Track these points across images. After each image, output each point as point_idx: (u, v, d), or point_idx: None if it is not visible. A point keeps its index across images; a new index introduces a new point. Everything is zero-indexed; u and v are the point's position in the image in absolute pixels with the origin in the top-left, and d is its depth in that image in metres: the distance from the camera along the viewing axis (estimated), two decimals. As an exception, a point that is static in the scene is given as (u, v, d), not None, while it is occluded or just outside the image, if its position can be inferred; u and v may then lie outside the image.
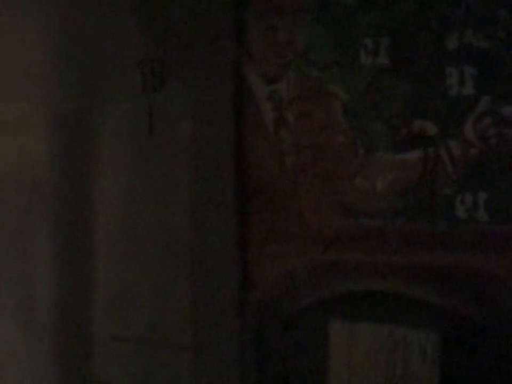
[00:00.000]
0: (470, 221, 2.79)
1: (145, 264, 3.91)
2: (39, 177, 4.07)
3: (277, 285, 3.33)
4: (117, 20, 3.95)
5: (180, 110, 3.81)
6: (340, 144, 3.08)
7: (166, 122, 3.87)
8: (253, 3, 3.32)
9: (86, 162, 4.09)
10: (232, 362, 3.56)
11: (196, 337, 3.72)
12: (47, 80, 4.02)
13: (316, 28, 3.10)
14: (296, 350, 3.29)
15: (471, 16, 2.74)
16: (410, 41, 2.87)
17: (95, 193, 4.05)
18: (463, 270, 2.81)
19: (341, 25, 3.03)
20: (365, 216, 3.03)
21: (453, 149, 2.80)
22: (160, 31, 3.87)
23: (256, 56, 3.33)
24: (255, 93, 3.34)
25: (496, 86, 2.71)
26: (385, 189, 2.96)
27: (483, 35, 2.71)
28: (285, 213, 3.29)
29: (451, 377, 2.85)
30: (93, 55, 4.01)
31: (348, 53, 3.02)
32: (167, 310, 3.85)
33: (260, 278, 3.39)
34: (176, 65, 3.82)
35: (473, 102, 2.75)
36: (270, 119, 3.28)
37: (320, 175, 3.17)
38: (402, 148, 2.91)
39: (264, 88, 3.30)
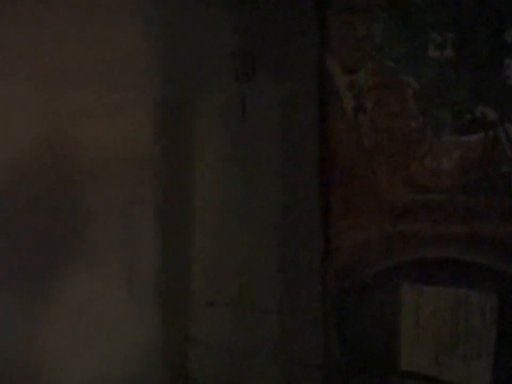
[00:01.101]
0: (525, 195, 3.21)
1: (237, 236, 4.39)
2: (142, 158, 4.43)
3: (355, 253, 3.79)
4: (213, 17, 4.42)
5: (269, 98, 4.27)
6: (411, 128, 3.51)
7: (256, 109, 4.34)
8: (334, 3, 3.77)
9: (185, 144, 4.56)
10: (315, 324, 4.02)
11: (282, 301, 4.20)
12: (150, 71, 4.42)
13: (390, 24, 3.53)
14: (371, 310, 3.74)
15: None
16: (473, 36, 3.27)
17: (194, 171, 4.54)
18: (519, 239, 3.22)
19: (412, 22, 3.46)
20: (433, 191, 3.46)
21: (510, 132, 3.20)
22: (251, 27, 4.34)
23: (337, 50, 3.79)
24: (336, 82, 3.80)
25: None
26: (450, 167, 3.38)
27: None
28: (362, 189, 3.74)
29: (508, 336, 3.27)
30: (191, 48, 4.46)
31: (418, 47, 3.44)
32: (256, 278, 4.32)
33: (339, 247, 3.85)
34: (266, 58, 4.29)
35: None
36: (350, 106, 3.73)
37: (394, 155, 3.60)
38: (466, 131, 3.32)
39: (345, 78, 3.75)
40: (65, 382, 3.97)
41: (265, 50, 4.26)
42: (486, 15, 3.21)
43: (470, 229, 3.32)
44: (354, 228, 3.75)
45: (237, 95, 4.41)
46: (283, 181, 4.17)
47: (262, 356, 4.25)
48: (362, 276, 3.73)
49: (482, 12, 3.21)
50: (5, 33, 3.19)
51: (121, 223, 4.41)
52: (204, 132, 4.55)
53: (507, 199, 3.21)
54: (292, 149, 4.11)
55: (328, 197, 3.85)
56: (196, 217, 4.53)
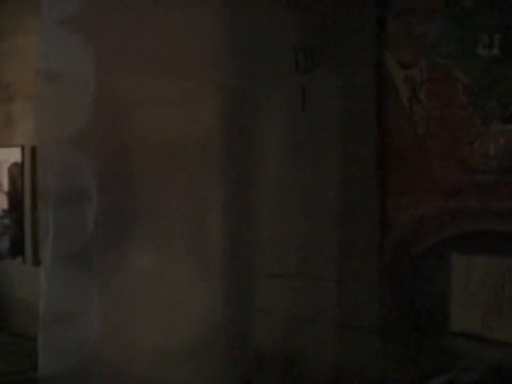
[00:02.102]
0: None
1: (299, 212, 4.85)
2: (208, 141, 4.77)
3: (409, 228, 4.31)
4: (276, 12, 4.86)
5: (329, 89, 4.76)
6: (461, 117, 4.03)
7: (316, 100, 4.83)
8: (393, 4, 4.28)
9: (248, 130, 5.02)
10: (372, 292, 4.52)
11: (341, 272, 4.70)
12: (216, 62, 4.73)
13: (443, 25, 4.05)
14: (424, 278, 4.26)
15: None
16: (518, 36, 3.79)
17: (257, 155, 4.99)
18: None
19: (463, 24, 3.97)
20: (481, 172, 3.99)
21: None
22: (312, 22, 4.81)
23: (394, 47, 4.30)
24: (393, 76, 4.32)
25: None
26: (497, 151, 3.90)
27: None
28: (416, 171, 4.26)
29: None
30: (255, 41, 4.88)
31: (468, 46, 3.95)
32: (317, 250, 4.81)
33: (395, 222, 4.37)
34: (326, 51, 4.76)
35: None
36: (406, 98, 4.25)
37: (445, 141, 4.12)
38: (511, 120, 3.85)
39: (401, 73, 4.27)
40: (135, 353, 4.20)
41: (325, 46, 4.74)
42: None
43: (514, 206, 3.83)
44: (409, 205, 4.27)
45: (298, 87, 4.89)
46: (342, 164, 4.66)
47: (323, 323, 4.75)
48: (416, 248, 4.24)
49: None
50: (112, 34, 3.67)
51: (189, 202, 4.74)
52: (266, 121, 4.99)
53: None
54: (350, 135, 4.61)
55: (385, 178, 4.37)
56: (260, 197, 4.98)
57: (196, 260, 4.74)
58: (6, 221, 7.63)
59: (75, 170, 3.56)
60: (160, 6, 4.22)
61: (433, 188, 4.14)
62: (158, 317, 4.26)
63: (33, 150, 7.40)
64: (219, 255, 4.84)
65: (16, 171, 7.56)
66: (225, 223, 4.87)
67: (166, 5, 4.27)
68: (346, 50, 4.59)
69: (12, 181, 7.65)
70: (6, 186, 7.71)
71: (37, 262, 7.38)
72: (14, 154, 7.61)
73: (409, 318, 4.31)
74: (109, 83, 3.64)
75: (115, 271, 3.80)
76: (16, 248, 7.62)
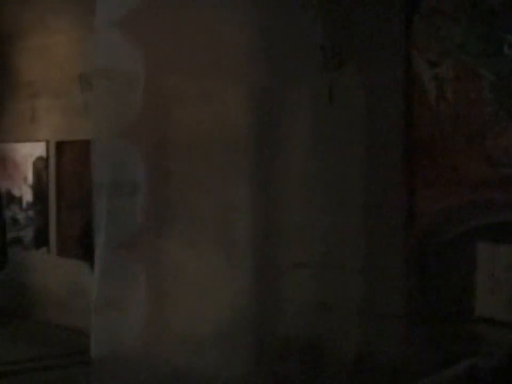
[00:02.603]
0: None
1: (325, 204, 5.04)
2: (236, 137, 4.95)
3: (435, 218, 4.52)
4: (305, 12, 5.05)
5: (356, 86, 4.97)
6: (487, 113, 4.25)
7: (343, 96, 5.02)
8: (421, 5, 4.49)
9: (277, 126, 5.20)
10: (398, 280, 4.71)
11: (367, 261, 4.90)
12: (248, 61, 4.90)
13: (470, 26, 4.26)
14: (450, 267, 4.46)
15: None
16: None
17: (284, 148, 5.16)
18: None
19: (489, 25, 4.19)
20: (504, 166, 4.20)
21: None
22: (340, 22, 5.01)
23: (422, 46, 4.50)
24: (420, 74, 4.53)
25: None
26: (521, 146, 4.13)
27: None
28: (442, 164, 4.47)
29: None
30: (284, 41, 5.07)
31: (494, 45, 4.17)
32: (342, 241, 5.01)
33: (421, 213, 4.58)
34: (353, 50, 4.95)
35: None
36: (433, 95, 4.46)
37: (471, 136, 4.34)
38: (535, 116, 4.07)
39: (428, 71, 4.48)
40: (173, 338, 4.40)
41: (353, 45, 4.93)
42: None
43: (537, 197, 4.04)
44: (435, 197, 4.48)
45: (325, 84, 5.09)
46: (368, 158, 4.86)
47: (348, 311, 4.95)
48: (442, 238, 4.45)
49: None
50: (158, 35, 3.87)
51: (220, 195, 4.91)
52: (294, 114, 5.18)
53: None
54: (377, 130, 4.81)
55: (412, 171, 4.57)
56: (287, 189, 5.15)
57: (225, 250, 4.92)
58: (30, 213, 7.83)
59: (125, 162, 3.75)
60: (197, 9, 4.40)
61: (458, 181, 4.34)
62: (190, 304, 4.46)
63: (58, 145, 7.63)
64: (246, 245, 4.98)
65: (41, 165, 7.76)
66: (253, 215, 5.01)
67: (203, 8, 4.45)
68: (374, 49, 4.78)
69: (37, 174, 7.86)
70: (30, 179, 7.91)
71: (61, 252, 7.61)
72: (38, 149, 7.81)
73: (434, 304, 4.50)
74: (155, 80, 3.84)
75: (157, 259, 3.94)
76: (40, 239, 7.83)
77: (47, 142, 7.70)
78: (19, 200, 8.12)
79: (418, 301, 4.62)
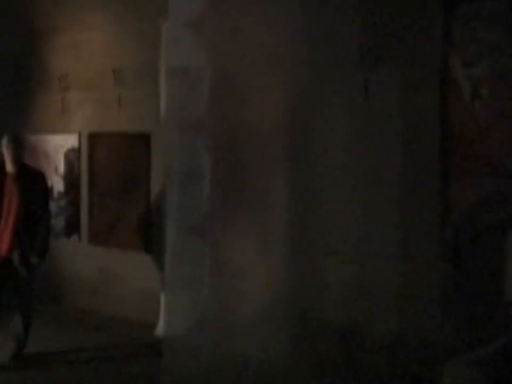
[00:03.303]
0: None
1: (363, 193, 5.34)
2: (272, 131, 5.19)
3: (469, 207, 4.86)
4: (344, 13, 5.37)
5: (390, 84, 5.28)
6: (521, 110, 4.60)
7: (378, 93, 5.35)
8: (459, 9, 4.82)
9: (314, 120, 5.51)
10: (432, 267, 5.05)
11: (404, 248, 5.19)
12: (287, 59, 5.19)
13: (505, 28, 4.60)
14: (482, 253, 4.80)
15: None
16: None
17: (323, 141, 5.48)
18: None
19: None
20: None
21: None
22: (378, 24, 5.32)
23: (458, 48, 4.84)
24: (456, 74, 4.87)
25: None
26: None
27: None
28: (476, 157, 4.81)
29: None
30: (324, 40, 5.40)
31: (530, 46, 4.52)
32: (378, 226, 5.32)
33: (456, 203, 4.93)
34: (390, 50, 5.29)
35: None
36: (468, 93, 4.80)
37: (504, 131, 4.69)
38: None
39: (464, 71, 4.81)
40: (233, 318, 4.70)
41: (390, 45, 5.26)
42: None
43: None
44: (469, 188, 4.82)
45: (362, 82, 5.41)
46: (404, 150, 5.18)
47: (384, 295, 5.28)
48: (475, 225, 4.79)
49: None
50: (224, 34, 4.19)
51: (254, 187, 5.10)
52: (332, 109, 5.48)
53: None
54: (412, 125, 5.14)
55: (447, 164, 4.91)
56: (324, 180, 5.46)
57: (262, 239, 5.24)
58: (62, 202, 8.12)
59: (193, 153, 4.08)
60: (254, 13, 4.71)
61: (491, 172, 4.68)
62: (244, 287, 4.77)
63: (90, 137, 7.93)
64: (290, 232, 5.32)
65: (72, 156, 8.06)
66: (293, 206, 5.34)
67: (259, 11, 4.75)
68: (411, 49, 5.11)
69: (68, 165, 8.15)
70: (61, 170, 8.21)
71: (92, 240, 7.91)
72: (70, 140, 8.11)
73: (468, 288, 4.84)
74: (222, 76, 4.16)
75: (221, 243, 4.26)
76: (71, 228, 8.13)
77: (79, 134, 7.99)
78: (50, 190, 8.39)
79: (452, 285, 4.94)
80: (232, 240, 4.65)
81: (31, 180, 6.06)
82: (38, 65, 8.39)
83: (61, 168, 8.24)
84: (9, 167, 6.01)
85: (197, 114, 4.09)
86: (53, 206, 8.25)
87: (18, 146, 6.06)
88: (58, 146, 8.27)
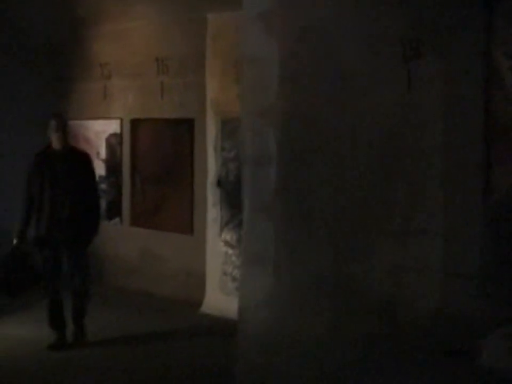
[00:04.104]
0: None
1: (405, 177, 5.70)
2: (316, 117, 5.62)
3: (508, 190, 5.24)
4: (385, 7, 5.73)
5: (433, 75, 5.64)
6: (561, 100, 4.99)
7: (420, 83, 5.72)
8: (503, 3, 5.19)
9: (355, 109, 5.86)
10: (473, 245, 5.41)
11: (446, 226, 5.55)
12: (342, 51, 5.47)
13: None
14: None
15: None
16: None
17: (361, 131, 5.83)
18: None
19: None
20: None
21: None
22: (419, 15, 5.69)
23: (501, 40, 5.20)
24: (499, 65, 5.24)
25: None
26: None
27: None
28: (517, 145, 5.22)
29: None
30: (367, 32, 5.75)
31: None
32: (420, 207, 5.68)
33: (498, 187, 5.31)
34: (431, 41, 5.62)
35: None
36: (510, 83, 5.19)
37: (544, 120, 5.09)
38: None
39: (506, 62, 5.20)
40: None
41: (432, 37, 5.61)
42: None
43: None
44: (509, 172, 5.22)
45: (404, 72, 5.78)
46: (446, 138, 5.54)
47: (427, 272, 5.65)
48: (514, 207, 5.18)
49: None
50: (292, 26, 4.58)
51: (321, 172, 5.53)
52: (374, 99, 5.84)
53: None
54: (456, 115, 5.50)
55: (489, 150, 5.30)
56: (373, 164, 5.77)
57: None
58: (103, 186, 8.53)
59: (262, 139, 4.49)
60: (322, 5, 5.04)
61: (532, 158, 5.07)
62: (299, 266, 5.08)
63: (132, 122, 8.35)
64: (324, 214, 5.37)
65: (114, 141, 8.48)
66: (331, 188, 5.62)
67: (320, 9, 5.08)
68: (453, 41, 5.43)
69: (110, 150, 8.57)
70: (103, 154, 8.62)
71: (134, 222, 8.32)
72: (112, 126, 8.53)
73: (505, 265, 5.23)
74: (289, 65, 4.57)
75: (286, 224, 4.64)
76: (113, 210, 8.55)
77: (121, 120, 8.40)
78: (91, 174, 8.82)
79: (491, 262, 5.33)
80: (298, 220, 4.88)
81: (79, 161, 6.30)
82: (80, 53, 8.79)
83: (103, 152, 8.65)
84: (57, 148, 6.21)
85: (266, 102, 4.49)
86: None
87: (66, 128, 6.33)
88: (99, 132, 8.69)
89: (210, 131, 7.41)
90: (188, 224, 7.78)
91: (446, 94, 5.50)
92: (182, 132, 7.79)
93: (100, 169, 8.48)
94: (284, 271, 4.61)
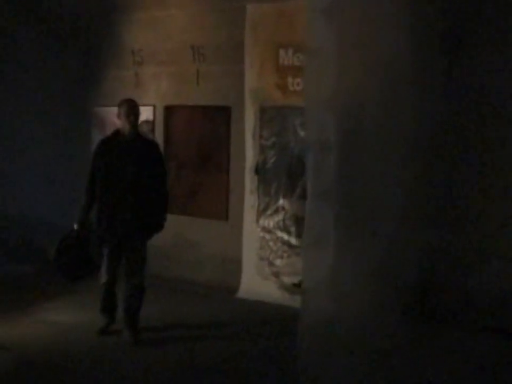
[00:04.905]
0: None
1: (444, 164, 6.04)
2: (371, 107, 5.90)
3: None
4: (430, 4, 6.00)
5: (474, 65, 5.94)
6: None
7: (463, 75, 6.01)
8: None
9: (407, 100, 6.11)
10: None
11: (481, 210, 5.90)
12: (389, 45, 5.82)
13: None
14: None
15: None
16: None
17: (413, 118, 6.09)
18: None
19: None
20: None
21: None
22: (459, 7, 5.99)
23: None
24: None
25: None
26: None
27: None
28: None
29: None
30: (407, 25, 6.01)
31: None
32: (459, 191, 6.01)
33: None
34: (472, 33, 5.95)
35: None
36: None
37: None
38: None
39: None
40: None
41: (473, 27, 5.91)
42: None
43: None
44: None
45: (445, 65, 6.06)
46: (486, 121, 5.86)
47: (462, 255, 5.98)
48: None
49: None
50: (351, 19, 4.84)
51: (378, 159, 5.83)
52: (412, 89, 6.09)
53: None
54: (498, 106, 5.81)
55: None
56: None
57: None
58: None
59: (323, 127, 4.74)
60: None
61: None
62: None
63: (166, 109, 8.55)
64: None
65: (146, 128, 8.66)
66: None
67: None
68: (494, 31, 5.75)
69: (142, 136, 8.75)
70: (134, 141, 8.80)
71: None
72: (144, 113, 8.70)
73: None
74: (347, 56, 4.82)
75: (346, 208, 4.89)
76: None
77: (154, 107, 8.60)
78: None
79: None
80: (355, 206, 5.04)
81: (149, 149, 6.08)
82: (111, 39, 8.94)
83: (134, 139, 8.82)
84: (127, 135, 5.98)
85: (327, 92, 4.73)
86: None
87: (139, 114, 6.09)
88: (131, 119, 8.85)
89: (249, 119, 7.60)
90: (223, 210, 7.98)
91: (488, 83, 5.78)
92: (218, 119, 8.00)
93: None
94: (343, 255, 4.85)
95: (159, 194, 6.08)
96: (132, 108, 6.07)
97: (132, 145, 6.00)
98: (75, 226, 6.02)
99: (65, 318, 6.71)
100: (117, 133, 6.14)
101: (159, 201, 6.09)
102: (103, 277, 6.10)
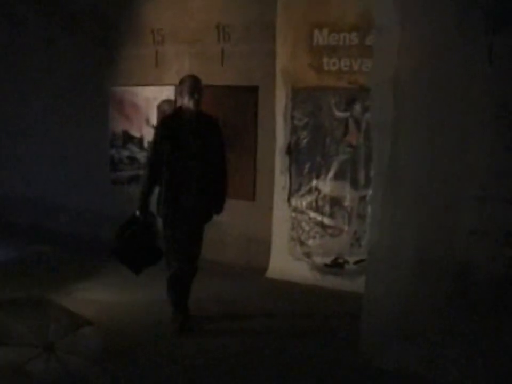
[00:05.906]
0: None
1: (488, 145, 6.18)
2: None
3: None
4: None
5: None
6: None
7: (503, 56, 6.14)
8: None
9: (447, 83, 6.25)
10: None
11: None
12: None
13: None
14: None
15: None
16: None
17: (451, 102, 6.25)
18: None
19: None
20: None
21: None
22: None
23: None
24: None
25: None
26: None
27: None
28: None
29: None
30: (453, 8, 6.16)
31: None
32: (492, 172, 6.15)
33: None
34: None
35: None
36: None
37: None
38: None
39: None
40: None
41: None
42: None
43: None
44: None
45: (484, 47, 6.19)
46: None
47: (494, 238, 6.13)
48: None
49: None
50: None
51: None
52: (454, 76, 6.24)
53: None
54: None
55: None
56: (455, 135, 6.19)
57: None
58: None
59: (382, 106, 4.90)
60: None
61: None
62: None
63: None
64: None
65: (167, 107, 8.76)
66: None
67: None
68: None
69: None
70: (154, 121, 8.90)
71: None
72: (165, 92, 8.82)
73: None
74: (409, 35, 4.97)
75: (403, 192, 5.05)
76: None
77: (175, 86, 8.68)
78: (139, 140, 9.12)
79: None
80: (416, 187, 5.21)
81: (211, 127, 5.99)
82: (129, 18, 9.01)
83: (153, 119, 8.92)
84: (189, 112, 5.88)
85: (388, 71, 4.88)
86: (140, 155, 9.03)
87: (202, 91, 5.95)
88: (150, 99, 8.95)
89: (280, 99, 7.69)
90: (250, 190, 8.11)
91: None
92: (244, 99, 8.10)
93: (150, 136, 8.74)
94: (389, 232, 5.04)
95: (221, 175, 6.06)
96: (195, 85, 5.98)
97: (195, 124, 5.91)
98: (137, 213, 5.89)
99: (104, 296, 6.83)
100: (178, 111, 6.05)
101: (220, 182, 6.07)
102: (171, 267, 5.98)
